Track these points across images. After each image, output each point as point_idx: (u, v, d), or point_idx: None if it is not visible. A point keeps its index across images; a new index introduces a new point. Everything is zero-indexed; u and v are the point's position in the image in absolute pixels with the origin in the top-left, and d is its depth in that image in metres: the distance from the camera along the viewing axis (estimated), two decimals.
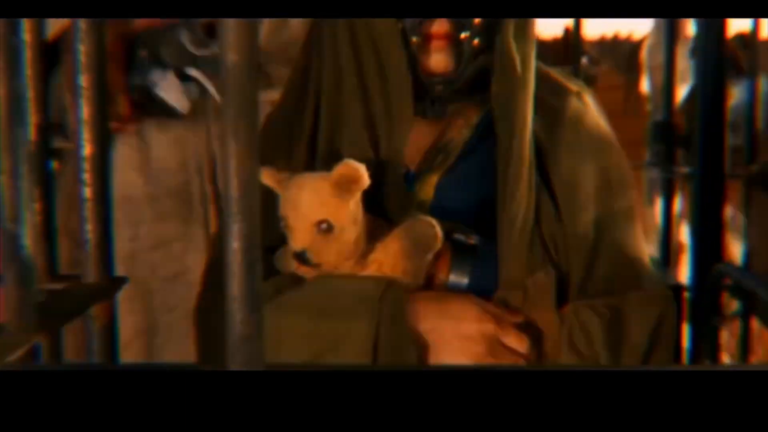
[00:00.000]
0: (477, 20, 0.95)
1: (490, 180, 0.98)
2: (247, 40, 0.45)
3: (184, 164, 1.30)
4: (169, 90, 1.16)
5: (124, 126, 1.18)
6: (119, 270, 0.71)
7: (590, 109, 1.08)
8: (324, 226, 0.87)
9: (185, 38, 1.15)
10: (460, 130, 1.03)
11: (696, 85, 2.54)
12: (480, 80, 1.00)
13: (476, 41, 0.96)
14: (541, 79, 1.02)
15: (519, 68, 0.98)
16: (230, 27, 0.44)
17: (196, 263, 1.25)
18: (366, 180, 0.86)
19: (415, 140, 1.01)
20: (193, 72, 1.17)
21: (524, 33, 0.99)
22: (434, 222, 0.90)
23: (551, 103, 1.04)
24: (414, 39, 0.94)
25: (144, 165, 1.29)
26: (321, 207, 0.86)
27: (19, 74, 0.59)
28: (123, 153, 1.28)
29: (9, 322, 0.58)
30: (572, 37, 2.57)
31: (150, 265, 1.32)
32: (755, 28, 2.55)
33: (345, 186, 0.86)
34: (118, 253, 0.72)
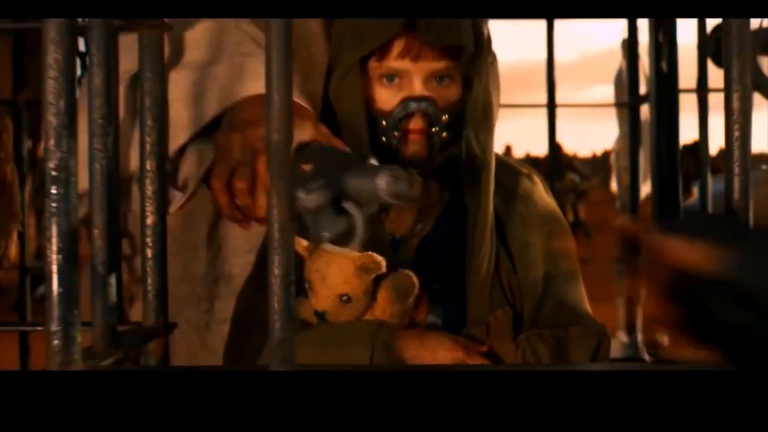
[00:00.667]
0: (445, 117, 1.17)
1: (458, 243, 1.21)
2: (285, 124, 0.66)
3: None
4: (322, 219, 0.97)
5: (248, 224, 1.08)
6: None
7: (538, 187, 1.30)
8: (345, 297, 1.07)
9: (384, 181, 0.96)
10: (434, 206, 1.25)
11: (652, 187, 2.80)
12: (449, 165, 1.21)
13: (445, 134, 1.17)
14: (499, 164, 1.24)
15: (481, 156, 1.19)
16: (274, 112, 0.65)
17: None
18: (383, 268, 1.07)
19: (399, 214, 1.22)
20: (349, 206, 0.97)
21: (485, 126, 1.21)
22: (413, 275, 1.10)
23: (507, 183, 1.26)
24: (396, 134, 1.16)
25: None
26: (345, 283, 1.07)
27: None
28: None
29: (96, 343, 0.76)
30: (560, 153, 2.84)
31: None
32: (705, 141, 2.83)
33: (366, 270, 1.06)
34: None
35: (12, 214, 2.55)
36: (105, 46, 0.77)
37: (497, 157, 1.25)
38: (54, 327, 0.64)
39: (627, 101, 3.57)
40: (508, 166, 1.30)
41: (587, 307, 1.27)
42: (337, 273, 1.07)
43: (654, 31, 2.48)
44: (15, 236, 2.62)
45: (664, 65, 2.36)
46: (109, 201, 0.75)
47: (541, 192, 1.31)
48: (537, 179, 1.33)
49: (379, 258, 1.07)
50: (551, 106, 3.05)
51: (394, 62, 1.15)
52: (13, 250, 2.68)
